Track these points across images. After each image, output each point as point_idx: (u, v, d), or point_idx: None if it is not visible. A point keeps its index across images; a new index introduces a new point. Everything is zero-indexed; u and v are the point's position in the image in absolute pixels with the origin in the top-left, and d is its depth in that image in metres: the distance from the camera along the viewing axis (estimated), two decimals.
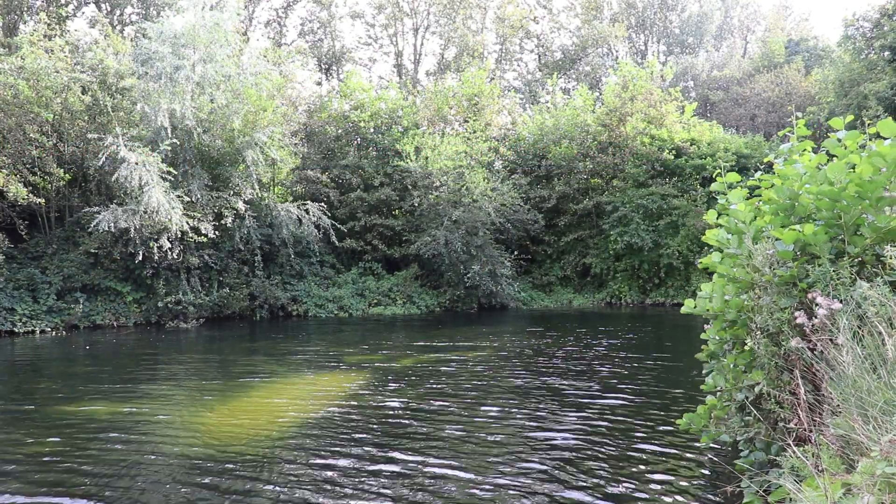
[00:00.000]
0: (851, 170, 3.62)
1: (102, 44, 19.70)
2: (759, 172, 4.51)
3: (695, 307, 4.84)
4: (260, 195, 21.12)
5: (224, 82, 19.54)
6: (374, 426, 6.78)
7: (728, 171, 4.54)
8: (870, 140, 4.01)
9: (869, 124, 4.17)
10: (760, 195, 4.43)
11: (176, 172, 18.00)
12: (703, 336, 5.06)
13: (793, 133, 4.65)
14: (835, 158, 3.85)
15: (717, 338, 4.85)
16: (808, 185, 3.85)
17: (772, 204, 4.03)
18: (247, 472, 5.35)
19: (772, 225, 3.90)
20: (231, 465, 5.51)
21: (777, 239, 3.69)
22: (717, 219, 4.58)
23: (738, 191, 4.31)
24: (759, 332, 3.80)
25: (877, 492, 2.18)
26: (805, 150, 4.46)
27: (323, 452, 5.86)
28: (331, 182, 24.34)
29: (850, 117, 4.25)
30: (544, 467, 5.32)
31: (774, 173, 4.23)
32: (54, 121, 17.47)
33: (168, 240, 17.28)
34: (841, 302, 3.10)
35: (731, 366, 4.45)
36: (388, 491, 4.87)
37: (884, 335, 2.73)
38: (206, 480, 5.15)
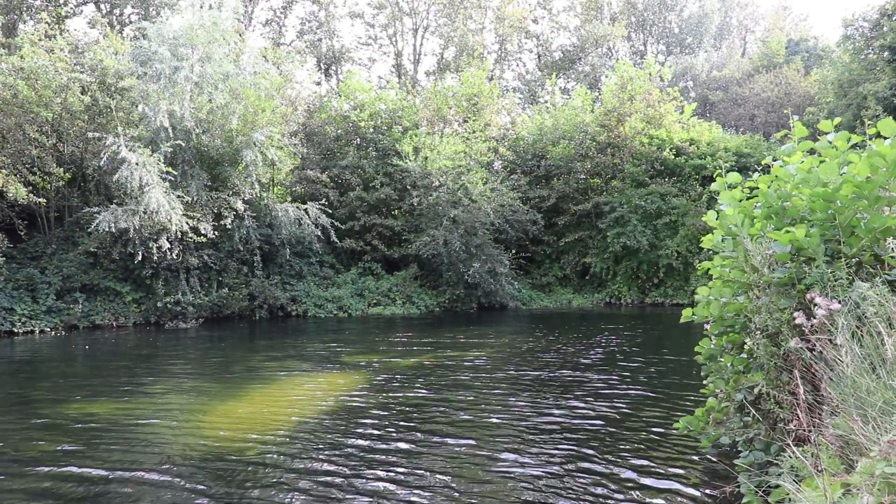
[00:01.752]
0: (846, 170, 3.62)
1: (102, 44, 19.68)
2: (757, 174, 4.50)
3: (693, 314, 4.83)
4: (259, 195, 21.11)
5: (223, 82, 19.52)
6: (379, 422, 6.77)
7: (728, 172, 4.53)
8: (870, 140, 4.00)
9: (869, 125, 4.17)
10: (757, 197, 4.43)
11: (175, 172, 18.01)
12: (700, 343, 5.05)
13: (790, 135, 4.64)
14: (826, 160, 3.85)
15: (714, 341, 4.85)
16: (801, 187, 3.85)
17: (764, 206, 4.03)
18: (248, 470, 5.35)
19: (764, 227, 3.90)
20: (232, 464, 5.51)
21: (774, 240, 3.69)
22: (716, 220, 4.58)
23: (731, 192, 4.31)
24: (758, 333, 3.80)
25: (876, 492, 2.18)
26: (801, 151, 4.46)
27: (325, 450, 5.86)
28: (330, 182, 24.34)
29: (837, 120, 4.24)
30: (544, 464, 5.32)
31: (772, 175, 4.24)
32: (54, 121, 17.45)
33: (167, 240, 17.26)
34: (840, 302, 3.10)
35: (729, 366, 4.45)
36: (393, 486, 4.88)
37: (883, 335, 2.74)
38: (207, 479, 5.15)
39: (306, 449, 5.99)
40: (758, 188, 4.48)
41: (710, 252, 4.76)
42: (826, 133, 4.03)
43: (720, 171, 4.73)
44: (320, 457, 5.73)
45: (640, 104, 26.21)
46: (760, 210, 4.05)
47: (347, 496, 4.76)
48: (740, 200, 4.31)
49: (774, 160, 4.51)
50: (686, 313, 4.91)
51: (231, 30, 20.18)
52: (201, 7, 19.23)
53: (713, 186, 4.68)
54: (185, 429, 6.82)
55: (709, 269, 4.71)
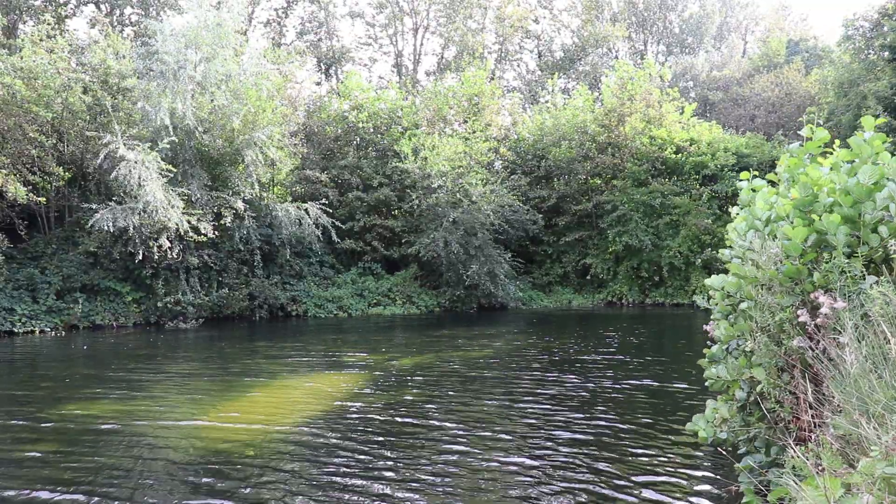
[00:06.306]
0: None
1: (103, 43, 19.67)
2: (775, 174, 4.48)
3: (711, 303, 4.83)
4: (259, 195, 21.09)
5: (224, 82, 19.52)
6: (381, 421, 6.76)
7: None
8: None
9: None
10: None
11: (176, 170, 18.00)
12: (712, 333, 5.04)
13: (802, 137, 4.63)
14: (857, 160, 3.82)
15: (725, 335, 4.83)
16: (832, 179, 3.80)
17: (793, 202, 3.99)
18: (248, 470, 5.34)
19: (791, 215, 3.85)
20: (232, 464, 5.49)
21: (786, 235, 3.66)
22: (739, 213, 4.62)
23: (766, 189, 4.31)
24: (759, 332, 3.79)
25: (877, 492, 2.17)
26: (826, 152, 4.43)
27: (326, 450, 5.85)
28: (330, 182, 24.33)
29: (881, 120, 4.21)
30: (547, 463, 5.31)
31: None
32: (54, 120, 17.43)
33: (167, 239, 17.24)
34: (846, 299, 3.08)
35: (733, 360, 4.42)
36: (395, 483, 4.87)
37: (887, 334, 2.72)
38: (208, 479, 5.14)
39: (307, 448, 5.98)
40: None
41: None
42: (864, 130, 4.01)
43: (749, 173, 4.73)
44: (322, 456, 5.72)
45: (640, 104, 26.19)
46: (791, 203, 4.00)
47: (350, 495, 4.75)
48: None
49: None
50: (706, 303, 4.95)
51: (234, 30, 20.19)
52: (207, 10, 19.25)
53: (739, 184, 4.69)
54: (185, 429, 6.81)
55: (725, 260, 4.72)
